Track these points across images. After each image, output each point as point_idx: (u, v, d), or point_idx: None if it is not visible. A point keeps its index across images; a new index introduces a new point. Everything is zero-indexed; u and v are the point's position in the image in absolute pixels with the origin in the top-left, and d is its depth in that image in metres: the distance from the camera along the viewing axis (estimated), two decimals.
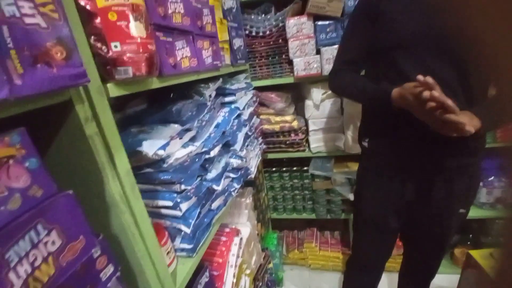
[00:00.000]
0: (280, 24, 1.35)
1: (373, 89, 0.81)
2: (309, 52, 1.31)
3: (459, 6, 0.20)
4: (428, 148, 0.80)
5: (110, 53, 0.40)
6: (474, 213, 1.44)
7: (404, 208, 0.93)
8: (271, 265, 1.49)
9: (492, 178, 1.40)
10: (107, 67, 0.41)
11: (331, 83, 0.97)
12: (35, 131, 0.35)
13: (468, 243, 1.58)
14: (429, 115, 0.66)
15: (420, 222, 0.95)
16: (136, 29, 0.42)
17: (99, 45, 0.39)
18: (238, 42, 1.16)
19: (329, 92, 1.37)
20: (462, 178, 0.84)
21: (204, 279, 0.75)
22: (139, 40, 0.43)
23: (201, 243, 0.70)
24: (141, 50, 0.43)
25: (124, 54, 0.41)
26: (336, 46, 1.23)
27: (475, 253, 0.98)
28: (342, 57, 0.94)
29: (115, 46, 0.40)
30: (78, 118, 0.38)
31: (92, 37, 0.40)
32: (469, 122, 0.64)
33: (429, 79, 0.62)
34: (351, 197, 1.47)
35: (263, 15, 1.38)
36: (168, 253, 0.61)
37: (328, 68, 1.28)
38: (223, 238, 0.96)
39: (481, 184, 1.42)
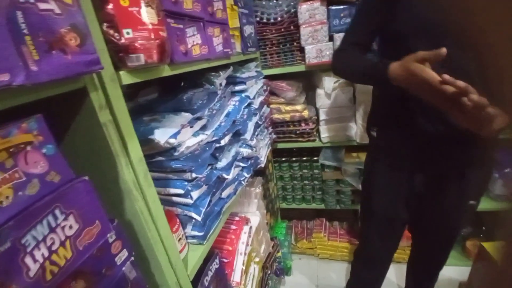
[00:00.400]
0: (292, 10, 1.31)
1: (372, 65, 0.77)
2: (322, 39, 1.28)
3: (461, 4, 0.19)
4: (439, 140, 0.77)
5: (123, 40, 0.40)
6: (488, 205, 1.41)
7: (413, 199, 0.91)
8: (279, 254, 1.51)
9: (508, 169, 1.36)
10: (120, 54, 0.41)
11: (333, 63, 0.92)
12: (51, 118, 0.35)
13: (481, 235, 1.55)
14: (440, 97, 0.59)
15: (430, 214, 0.93)
16: (147, 15, 0.41)
17: (111, 32, 0.39)
18: (248, 29, 1.14)
19: (341, 80, 1.34)
20: (474, 170, 0.82)
21: (215, 265, 0.76)
22: (150, 27, 0.42)
23: (211, 231, 0.71)
24: (152, 37, 0.42)
25: (136, 41, 0.41)
26: None
27: (488, 246, 0.96)
28: (350, 38, 0.89)
29: (127, 33, 0.40)
30: (92, 105, 0.38)
31: (105, 24, 0.39)
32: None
33: (461, 83, 0.55)
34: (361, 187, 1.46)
35: (274, 1, 1.34)
36: (179, 240, 0.63)
37: None
38: (233, 227, 0.97)
39: (497, 175, 1.38)
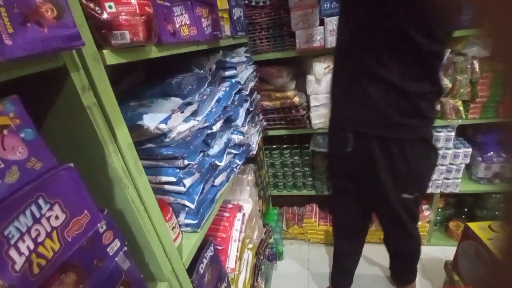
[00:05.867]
0: None
1: None
2: (312, 23, 1.25)
3: None
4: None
5: (105, 15, 0.36)
6: (470, 187, 1.46)
7: (351, 166, 0.96)
8: (271, 240, 1.52)
9: (491, 153, 1.41)
10: (102, 31, 0.37)
11: None
12: (30, 101, 0.32)
13: (463, 216, 1.61)
14: None
15: (363, 184, 0.98)
16: None
17: (92, 5, 0.36)
18: (237, 12, 1.09)
19: (332, 66, 1.32)
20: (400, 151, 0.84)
21: (209, 253, 0.76)
22: (135, 1, 0.39)
23: (205, 219, 0.70)
24: (138, 12, 0.39)
25: (120, 16, 0.37)
26: None
27: (473, 225, 1.00)
28: None
29: (110, 7, 0.36)
30: (74, 87, 0.35)
31: None
32: None
33: None
34: None
35: None
36: (173, 228, 0.61)
37: (331, 40, 1.23)
38: (226, 214, 0.97)
39: (479, 159, 1.42)
